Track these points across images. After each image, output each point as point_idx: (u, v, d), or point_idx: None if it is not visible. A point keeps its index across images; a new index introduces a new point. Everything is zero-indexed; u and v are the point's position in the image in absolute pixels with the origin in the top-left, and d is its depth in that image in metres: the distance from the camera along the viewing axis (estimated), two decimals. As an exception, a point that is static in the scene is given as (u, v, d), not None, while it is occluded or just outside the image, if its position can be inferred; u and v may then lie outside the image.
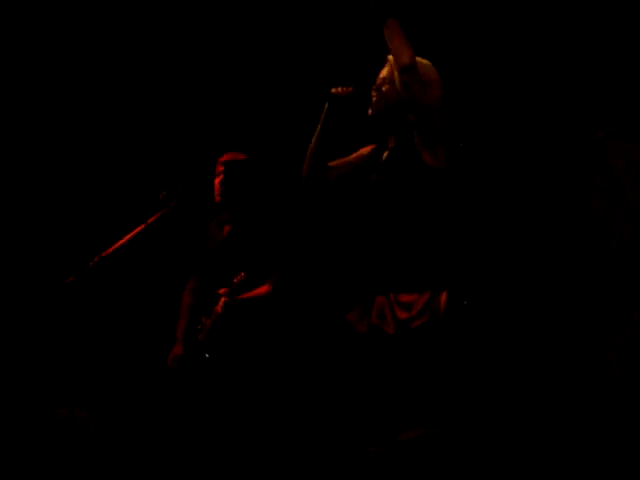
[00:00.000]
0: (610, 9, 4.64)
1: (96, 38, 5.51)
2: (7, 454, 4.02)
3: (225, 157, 4.66)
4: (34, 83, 5.51)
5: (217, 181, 4.63)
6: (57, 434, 3.12)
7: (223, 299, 4.45)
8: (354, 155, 3.85)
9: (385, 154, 3.76)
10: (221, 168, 4.64)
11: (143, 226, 4.26)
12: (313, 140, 3.76)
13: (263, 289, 4.52)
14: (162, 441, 4.78)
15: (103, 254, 4.14)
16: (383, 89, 3.69)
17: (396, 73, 3.57)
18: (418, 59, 3.60)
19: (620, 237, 4.56)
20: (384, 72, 3.71)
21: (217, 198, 4.63)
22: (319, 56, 5.22)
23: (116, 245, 4.18)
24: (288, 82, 5.35)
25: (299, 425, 4.81)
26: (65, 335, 5.32)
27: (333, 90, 3.71)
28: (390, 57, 3.64)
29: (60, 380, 5.17)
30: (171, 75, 5.52)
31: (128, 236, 4.21)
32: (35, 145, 5.53)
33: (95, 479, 3.97)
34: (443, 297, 3.57)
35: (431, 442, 3.47)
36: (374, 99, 3.71)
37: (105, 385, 5.22)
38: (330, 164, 3.79)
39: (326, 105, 3.72)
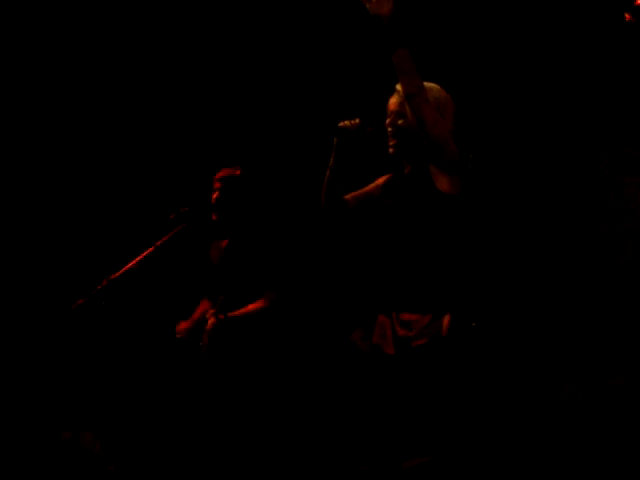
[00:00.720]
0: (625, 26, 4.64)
1: (101, 54, 5.53)
2: (12, 475, 4.01)
3: (221, 173, 4.67)
4: (39, 101, 5.53)
5: (213, 197, 4.64)
6: (62, 456, 3.10)
7: (211, 319, 4.47)
8: (371, 186, 3.87)
9: (400, 181, 3.76)
10: (217, 185, 4.65)
11: (152, 248, 4.27)
12: (327, 173, 3.77)
13: (256, 305, 4.51)
14: (166, 460, 4.78)
15: (112, 277, 4.14)
16: (399, 123, 3.67)
17: (407, 103, 3.56)
18: (428, 84, 3.61)
19: (630, 260, 4.54)
20: (394, 104, 3.69)
21: (214, 215, 4.64)
22: (319, 74, 5.24)
23: (125, 268, 4.18)
24: (285, 97, 5.36)
25: (297, 441, 4.79)
26: (74, 357, 5.32)
27: (341, 124, 3.71)
28: (398, 86, 3.63)
29: (67, 401, 5.17)
30: (179, 99, 5.54)
31: (137, 259, 4.22)
32: (44, 168, 5.54)
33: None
34: (446, 320, 3.55)
35: (430, 468, 3.45)
36: (391, 134, 3.70)
37: (112, 407, 5.21)
38: (347, 196, 3.80)
39: (335, 140, 3.72)
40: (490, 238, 4.64)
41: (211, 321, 4.47)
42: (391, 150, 3.71)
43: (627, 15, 3.68)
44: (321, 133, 3.86)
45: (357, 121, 3.69)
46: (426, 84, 3.58)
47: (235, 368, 4.50)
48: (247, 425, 4.46)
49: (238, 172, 4.67)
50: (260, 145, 5.35)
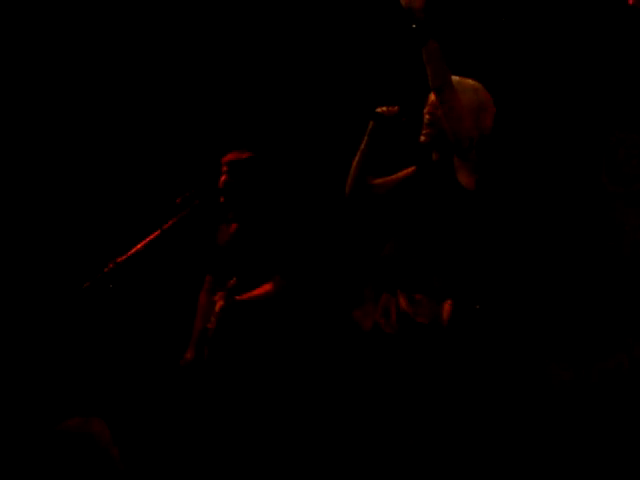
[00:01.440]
0: (625, 16, 4.63)
1: (101, 51, 5.52)
2: (18, 464, 4.04)
3: (229, 157, 4.68)
4: (41, 96, 5.53)
5: (221, 181, 4.65)
6: (71, 444, 3.12)
7: (220, 301, 4.48)
8: (396, 175, 3.90)
9: (424, 173, 3.79)
10: (225, 168, 4.65)
11: (158, 232, 4.29)
12: (357, 157, 3.82)
13: (264, 289, 4.53)
14: (173, 446, 4.80)
15: (118, 260, 4.16)
16: (438, 112, 3.68)
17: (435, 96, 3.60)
18: (471, 82, 3.68)
19: (633, 241, 4.55)
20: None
21: (222, 198, 4.64)
22: (344, 64, 5.23)
23: (132, 251, 4.20)
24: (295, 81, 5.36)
25: (302, 424, 4.81)
26: (81, 341, 5.34)
27: (379, 110, 3.76)
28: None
29: (75, 387, 5.19)
30: (186, 83, 5.54)
31: (143, 242, 4.24)
32: (50, 152, 5.55)
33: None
34: (447, 305, 3.59)
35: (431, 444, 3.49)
36: (427, 122, 3.72)
37: (120, 391, 5.23)
38: (373, 182, 3.84)
39: (371, 123, 3.76)
40: (497, 225, 4.65)
41: (220, 304, 4.48)
42: (423, 138, 3.74)
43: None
44: (345, 118, 3.88)
45: (395, 109, 3.74)
46: (469, 82, 3.67)
47: (243, 350, 4.52)
48: (254, 405, 4.47)
49: (246, 155, 4.68)
50: (268, 128, 5.35)
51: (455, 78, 3.65)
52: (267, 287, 4.53)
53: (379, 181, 3.88)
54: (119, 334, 5.39)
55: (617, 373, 4.41)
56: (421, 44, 3.51)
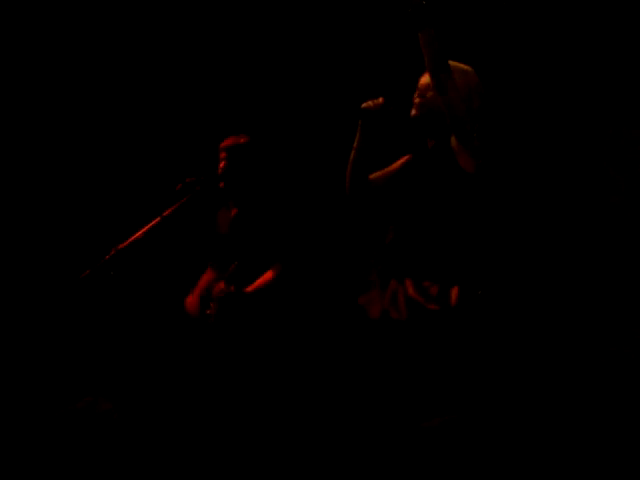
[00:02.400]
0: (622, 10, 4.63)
1: (97, 33, 5.51)
2: (27, 444, 4.05)
3: (226, 142, 4.67)
4: (35, 78, 5.53)
5: (220, 166, 4.64)
6: (80, 424, 3.15)
7: (221, 287, 4.48)
8: (393, 165, 3.90)
9: (421, 159, 3.78)
10: (223, 154, 4.65)
11: (159, 219, 4.29)
12: (351, 155, 3.79)
13: (266, 277, 4.53)
14: (176, 433, 4.82)
15: (119, 247, 4.17)
16: (427, 95, 3.70)
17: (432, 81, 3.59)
18: (461, 66, 3.67)
19: (632, 229, 4.55)
20: (426, 78, 3.70)
21: (221, 183, 4.64)
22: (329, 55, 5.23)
23: (132, 238, 4.21)
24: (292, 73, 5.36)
25: (307, 414, 4.82)
26: (83, 328, 5.35)
27: (364, 105, 3.72)
28: None
29: (80, 371, 5.21)
30: (185, 69, 5.53)
31: (144, 229, 4.24)
32: (52, 137, 5.55)
33: (114, 469, 4.01)
34: (455, 290, 3.58)
35: (447, 431, 3.49)
36: (417, 103, 3.72)
37: (124, 375, 5.25)
38: (371, 177, 3.83)
39: (360, 122, 3.73)
40: (499, 215, 4.66)
41: (221, 290, 4.49)
42: (414, 112, 3.72)
43: None
44: (335, 109, 3.87)
45: (380, 100, 3.70)
46: (459, 65, 3.66)
47: (244, 337, 4.52)
48: (257, 392, 4.48)
49: (244, 140, 4.67)
50: (266, 113, 5.34)
51: (451, 62, 3.64)
52: (270, 274, 4.53)
53: (377, 174, 3.86)
54: (120, 321, 5.40)
55: (612, 365, 4.42)
56: (418, 28, 3.50)
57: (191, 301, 4.67)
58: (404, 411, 3.57)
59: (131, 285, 5.25)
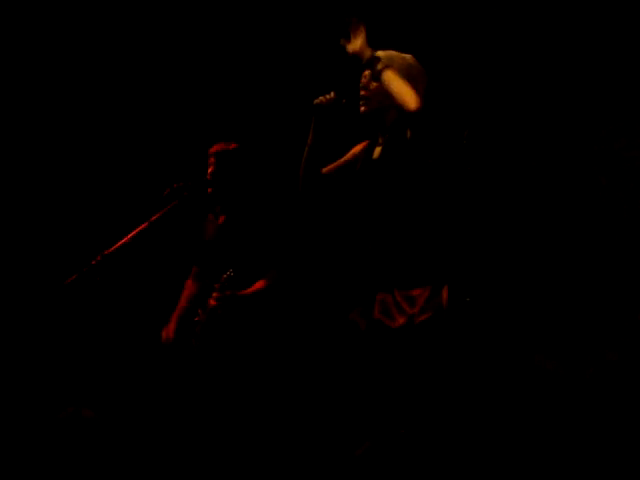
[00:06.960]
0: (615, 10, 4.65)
1: (95, 37, 5.52)
2: (12, 453, 4.03)
3: (215, 148, 4.66)
4: (34, 79, 5.52)
5: (209, 172, 4.63)
6: (62, 433, 3.12)
7: (214, 294, 4.46)
8: (347, 155, 3.90)
9: (377, 149, 3.76)
10: (212, 159, 4.64)
11: (146, 224, 4.27)
12: (306, 150, 3.80)
13: (258, 285, 4.51)
14: (164, 438, 4.80)
15: (106, 252, 4.14)
16: (371, 87, 3.71)
17: (377, 69, 3.58)
18: (398, 54, 3.68)
19: (626, 235, 4.56)
20: (367, 71, 3.71)
21: (209, 189, 4.62)
22: (298, 57, 5.25)
23: (119, 243, 4.18)
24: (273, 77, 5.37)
25: (297, 422, 4.81)
26: (68, 334, 5.33)
27: (316, 101, 3.74)
28: (378, 53, 3.64)
29: (64, 379, 5.18)
30: (172, 74, 5.54)
31: (131, 234, 4.22)
32: (37, 143, 5.54)
33: (100, 477, 3.99)
34: (445, 292, 3.57)
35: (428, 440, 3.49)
36: (363, 97, 3.72)
37: (109, 383, 5.23)
38: (325, 169, 3.84)
39: (313, 118, 3.74)
40: (484, 215, 4.65)
41: (217, 297, 4.44)
42: (362, 109, 3.72)
43: None
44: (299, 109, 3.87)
45: (332, 95, 3.72)
46: (400, 54, 3.67)
47: (234, 345, 4.50)
48: (246, 399, 4.46)
49: (232, 146, 4.66)
50: (254, 119, 5.35)
51: (392, 53, 3.68)
52: (262, 282, 4.51)
53: (330, 167, 3.87)
54: (107, 327, 5.38)
55: (606, 367, 4.43)
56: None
57: (169, 329, 4.65)
58: (396, 415, 3.57)
59: (117, 291, 5.22)
